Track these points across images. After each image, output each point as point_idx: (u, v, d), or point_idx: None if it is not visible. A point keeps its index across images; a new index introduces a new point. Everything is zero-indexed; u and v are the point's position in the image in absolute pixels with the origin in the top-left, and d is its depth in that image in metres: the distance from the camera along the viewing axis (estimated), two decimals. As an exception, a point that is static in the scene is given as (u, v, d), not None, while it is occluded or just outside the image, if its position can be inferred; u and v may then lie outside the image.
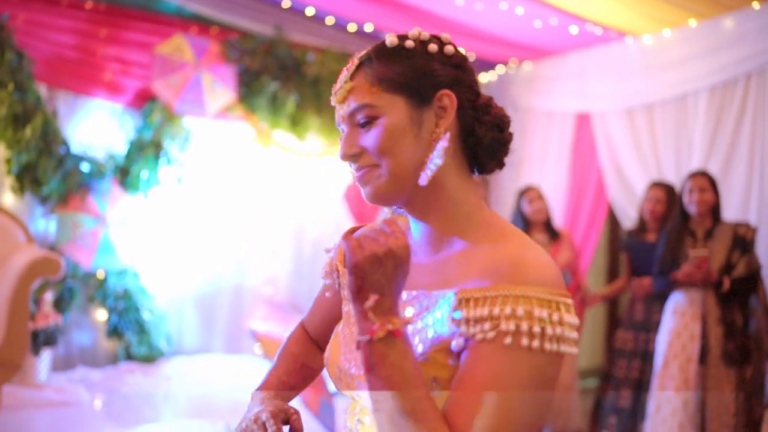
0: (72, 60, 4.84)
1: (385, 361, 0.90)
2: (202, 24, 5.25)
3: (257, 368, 4.88)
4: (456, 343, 0.94)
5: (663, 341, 3.61)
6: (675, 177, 4.49)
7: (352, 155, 1.05)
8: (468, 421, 0.89)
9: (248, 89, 5.24)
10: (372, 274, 0.90)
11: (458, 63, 1.07)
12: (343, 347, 1.12)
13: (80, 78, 4.88)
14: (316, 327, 1.35)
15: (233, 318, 5.45)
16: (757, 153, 4.16)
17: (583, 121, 5.36)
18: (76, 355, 4.88)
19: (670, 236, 3.65)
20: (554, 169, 5.52)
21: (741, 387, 3.38)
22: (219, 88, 4.99)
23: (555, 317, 0.92)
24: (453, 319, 0.95)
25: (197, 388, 4.57)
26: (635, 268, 4.20)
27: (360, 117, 1.04)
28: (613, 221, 5.82)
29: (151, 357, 4.99)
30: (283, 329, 5.01)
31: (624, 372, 4.11)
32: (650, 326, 4.00)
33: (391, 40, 1.05)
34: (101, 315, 4.97)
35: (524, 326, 0.90)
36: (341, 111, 1.06)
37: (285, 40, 5.31)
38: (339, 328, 1.18)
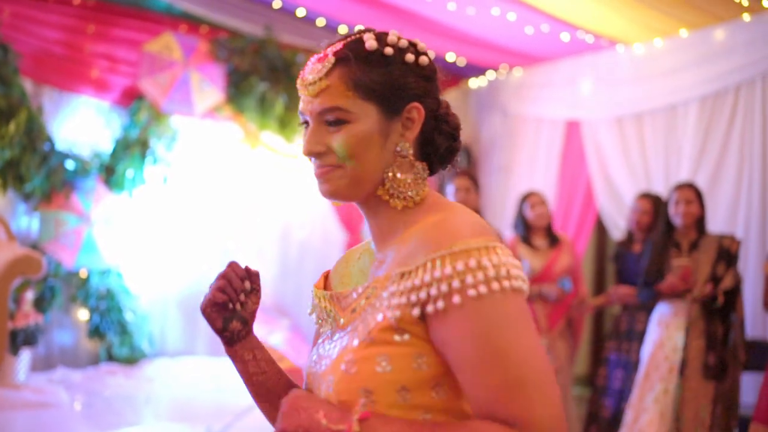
0: (59, 56, 4.78)
1: None
2: (191, 23, 5.21)
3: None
4: (392, 317, 0.97)
5: (646, 351, 3.61)
6: (664, 187, 4.49)
7: (317, 153, 1.07)
8: (492, 397, 0.91)
9: (237, 89, 5.19)
10: (299, 416, 0.98)
11: (429, 75, 1.09)
12: (316, 356, 1.13)
13: (67, 74, 4.82)
14: None
15: (217, 320, 5.38)
16: (746, 164, 4.18)
17: (572, 129, 5.36)
18: (56, 356, 4.81)
19: (654, 247, 3.66)
20: (543, 176, 5.52)
21: (718, 400, 3.39)
22: (207, 88, 4.94)
23: (486, 261, 0.93)
24: (392, 295, 0.98)
25: (180, 390, 4.52)
26: (622, 279, 4.21)
27: (330, 116, 1.05)
28: (601, 229, 5.82)
29: (133, 358, 4.93)
30: (267, 332, 4.97)
31: (604, 381, 4.11)
32: (633, 336, 4.01)
33: (370, 43, 1.06)
34: (83, 315, 4.90)
35: (456, 283, 0.92)
36: (310, 105, 1.07)
37: (275, 40, 5.27)
38: (315, 348, 1.18)
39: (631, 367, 3.96)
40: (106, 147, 4.92)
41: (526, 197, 4.31)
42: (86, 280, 4.83)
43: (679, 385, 3.43)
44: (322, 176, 1.08)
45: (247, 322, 1.20)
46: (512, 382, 0.90)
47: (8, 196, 4.60)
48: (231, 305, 1.18)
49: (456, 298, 0.92)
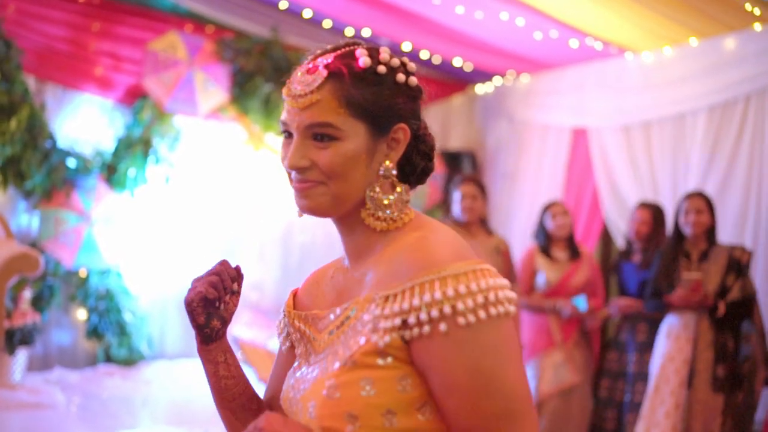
0: (63, 53, 4.76)
1: None
2: (197, 22, 5.18)
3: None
4: (382, 342, 0.95)
5: (656, 364, 3.56)
6: (671, 196, 4.44)
7: (301, 167, 1.04)
8: (482, 425, 0.92)
9: (241, 90, 5.15)
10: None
11: (416, 95, 1.09)
12: (293, 380, 1.10)
13: (70, 71, 4.80)
14: (275, 386, 1.26)
15: (217, 322, 5.34)
16: (755, 174, 4.13)
17: (579, 137, 5.31)
18: (53, 356, 4.77)
19: (664, 257, 3.60)
20: (549, 183, 5.46)
21: (728, 413, 3.32)
22: (212, 88, 4.91)
23: (475, 286, 0.92)
24: (377, 318, 0.96)
25: (178, 393, 4.47)
26: (621, 289, 4.16)
27: (318, 132, 1.03)
28: (606, 238, 5.77)
29: (131, 360, 4.88)
30: (267, 336, 4.92)
31: (607, 393, 4.05)
32: (633, 347, 3.95)
33: (364, 60, 1.04)
34: (81, 315, 4.86)
35: (447, 309, 0.91)
36: (298, 118, 1.05)
37: (280, 41, 5.25)
38: (291, 372, 1.14)
39: (632, 377, 3.91)
40: (108, 145, 4.89)
41: (548, 207, 4.22)
42: (85, 280, 4.79)
43: (687, 397, 3.38)
44: (303, 191, 1.06)
45: (226, 323, 1.19)
46: (504, 412, 0.91)
47: (8, 194, 4.57)
48: (217, 303, 1.17)
49: (445, 325, 0.91)
